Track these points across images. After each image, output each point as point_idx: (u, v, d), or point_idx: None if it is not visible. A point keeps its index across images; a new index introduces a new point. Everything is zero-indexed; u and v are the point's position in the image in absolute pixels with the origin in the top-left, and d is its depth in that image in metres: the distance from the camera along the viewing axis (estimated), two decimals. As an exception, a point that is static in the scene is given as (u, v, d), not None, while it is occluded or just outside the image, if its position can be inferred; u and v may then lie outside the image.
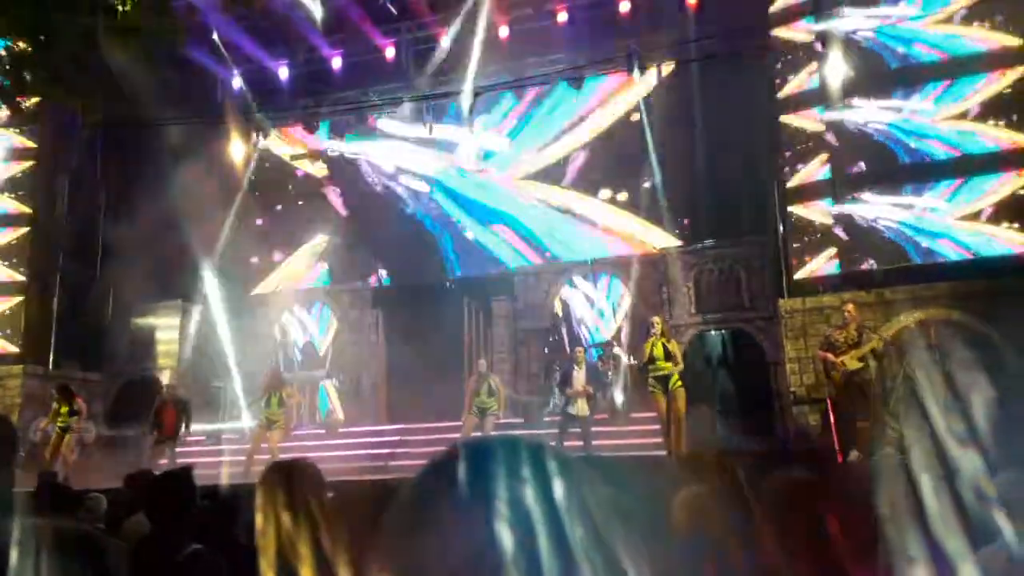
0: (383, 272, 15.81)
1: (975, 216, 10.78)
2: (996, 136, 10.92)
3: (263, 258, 16.36)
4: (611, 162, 14.98)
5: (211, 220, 14.46)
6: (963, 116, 11.05)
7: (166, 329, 14.32)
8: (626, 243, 14.65)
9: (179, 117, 12.41)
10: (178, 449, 11.27)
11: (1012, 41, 10.92)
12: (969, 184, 10.89)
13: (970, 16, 11.15)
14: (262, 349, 14.76)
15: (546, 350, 14.18)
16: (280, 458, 3.09)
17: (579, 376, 10.21)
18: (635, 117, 14.79)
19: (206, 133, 13.51)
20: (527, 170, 15.59)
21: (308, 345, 14.38)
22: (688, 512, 4.45)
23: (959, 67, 11.15)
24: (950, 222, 10.91)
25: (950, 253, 10.89)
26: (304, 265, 16.18)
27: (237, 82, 15.68)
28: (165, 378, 13.70)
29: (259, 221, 16.35)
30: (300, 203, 16.79)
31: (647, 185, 14.22)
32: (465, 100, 14.57)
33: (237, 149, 13.11)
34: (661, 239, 14.22)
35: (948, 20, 11.27)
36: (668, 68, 14.24)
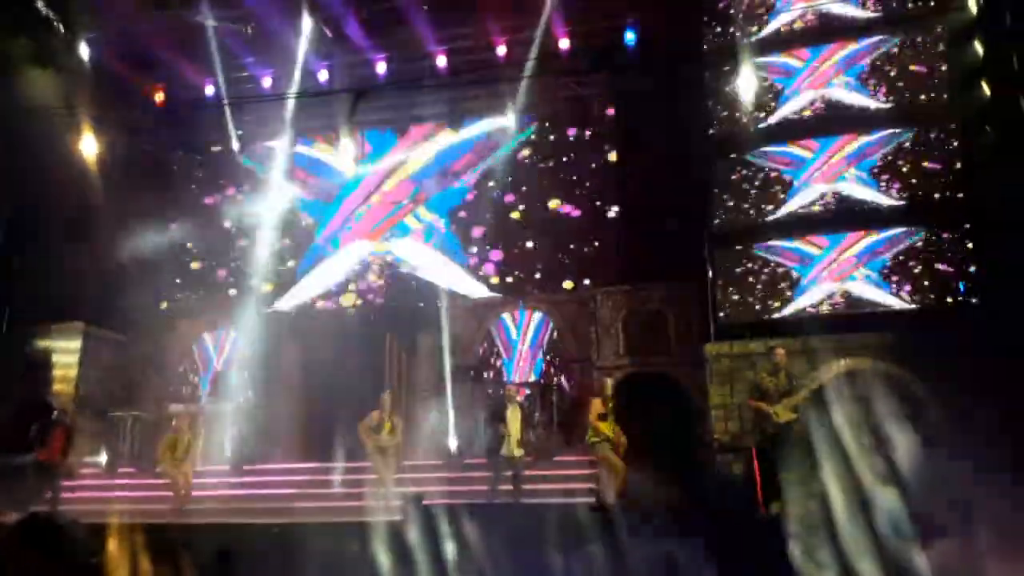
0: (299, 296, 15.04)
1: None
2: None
3: (178, 273, 15.43)
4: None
5: (122, 233, 13.61)
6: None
7: (64, 353, 13.36)
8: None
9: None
10: (69, 483, 10.66)
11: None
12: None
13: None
14: (169, 377, 13.89)
15: (473, 388, 13.65)
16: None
17: (513, 415, 9.61)
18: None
19: (117, 139, 12.78)
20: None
21: (218, 374, 13.56)
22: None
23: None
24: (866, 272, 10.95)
25: (877, 301, 10.86)
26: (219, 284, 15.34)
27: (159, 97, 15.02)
28: (61, 404, 12.77)
29: (172, 225, 15.47)
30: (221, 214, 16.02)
31: None
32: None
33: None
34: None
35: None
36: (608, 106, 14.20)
